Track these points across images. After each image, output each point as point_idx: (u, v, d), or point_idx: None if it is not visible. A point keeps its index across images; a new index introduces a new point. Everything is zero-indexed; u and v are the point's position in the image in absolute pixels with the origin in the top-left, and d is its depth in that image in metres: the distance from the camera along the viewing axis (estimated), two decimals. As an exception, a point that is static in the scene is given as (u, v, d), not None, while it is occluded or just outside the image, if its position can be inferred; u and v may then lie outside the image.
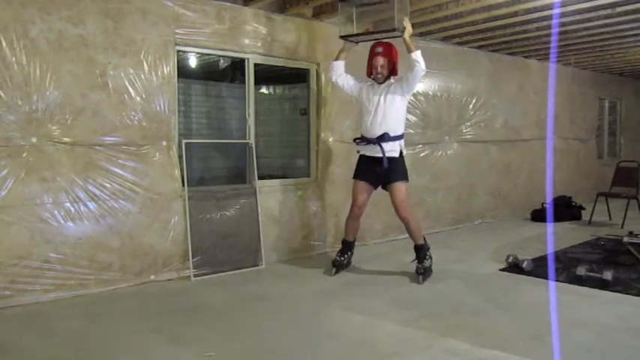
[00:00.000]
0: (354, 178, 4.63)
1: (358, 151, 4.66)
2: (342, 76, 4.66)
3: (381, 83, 4.49)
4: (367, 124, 4.49)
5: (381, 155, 4.36)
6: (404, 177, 4.47)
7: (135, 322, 3.41)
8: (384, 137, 4.37)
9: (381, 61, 4.42)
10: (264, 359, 2.88)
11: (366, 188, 4.57)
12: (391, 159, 4.39)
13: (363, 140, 4.51)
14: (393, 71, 4.48)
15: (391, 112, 4.40)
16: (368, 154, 4.52)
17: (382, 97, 4.41)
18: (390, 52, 4.46)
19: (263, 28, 4.98)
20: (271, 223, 5.08)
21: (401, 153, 4.46)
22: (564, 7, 5.13)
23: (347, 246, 4.74)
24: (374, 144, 4.42)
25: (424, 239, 4.58)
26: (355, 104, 5.12)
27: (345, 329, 3.29)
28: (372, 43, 4.62)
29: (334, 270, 4.64)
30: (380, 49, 4.45)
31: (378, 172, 4.43)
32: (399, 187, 4.42)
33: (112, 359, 2.89)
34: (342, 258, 4.71)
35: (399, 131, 4.45)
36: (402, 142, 4.49)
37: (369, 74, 4.53)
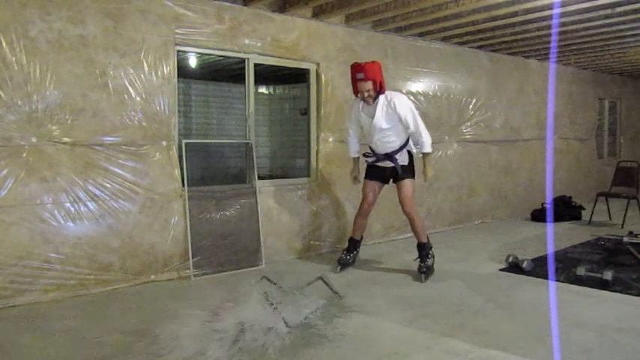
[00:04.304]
0: (365, 177, 4.71)
1: (367, 161, 4.69)
2: (354, 134, 4.70)
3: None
4: (371, 142, 4.57)
5: (392, 165, 4.48)
6: (412, 174, 4.55)
7: (135, 323, 3.41)
8: (392, 154, 4.47)
9: (365, 86, 4.30)
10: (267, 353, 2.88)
11: (376, 186, 4.66)
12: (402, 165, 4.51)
13: (374, 155, 4.59)
14: (380, 89, 4.35)
15: (392, 130, 4.41)
16: (379, 165, 4.59)
17: (379, 120, 4.37)
18: (372, 74, 4.28)
19: (263, 28, 4.98)
20: (271, 223, 5.08)
21: (410, 154, 4.55)
22: (564, 7, 5.13)
23: (353, 244, 4.79)
24: (383, 159, 4.52)
25: (427, 238, 4.61)
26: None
27: (346, 329, 3.29)
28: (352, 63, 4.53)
29: (339, 268, 4.71)
30: (361, 75, 4.27)
31: (388, 173, 4.58)
32: (407, 183, 4.51)
33: (112, 359, 2.89)
34: (349, 257, 4.75)
35: (404, 139, 4.49)
36: (409, 145, 4.55)
37: (356, 95, 4.47)
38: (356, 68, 4.34)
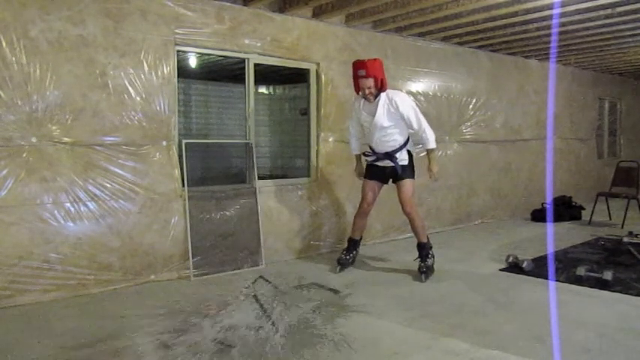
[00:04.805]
0: (364, 177, 4.71)
1: (367, 161, 4.69)
2: (356, 132, 4.75)
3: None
4: (371, 141, 4.56)
5: (392, 165, 4.48)
6: (411, 174, 4.55)
7: (135, 323, 3.41)
8: (392, 152, 4.46)
9: (367, 83, 4.29)
10: (262, 359, 2.88)
11: (376, 186, 4.66)
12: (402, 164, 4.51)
13: (374, 154, 4.58)
14: (382, 87, 4.35)
15: (393, 128, 4.42)
16: (379, 164, 4.59)
17: (380, 118, 4.38)
18: (374, 71, 4.28)
19: (263, 28, 4.98)
20: (271, 223, 5.08)
21: (410, 154, 4.55)
22: (564, 7, 5.13)
23: (353, 244, 4.79)
24: (383, 158, 4.52)
25: (427, 238, 4.61)
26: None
27: (346, 329, 3.29)
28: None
29: (339, 268, 4.71)
30: (363, 72, 4.26)
31: (388, 172, 4.57)
32: (407, 183, 4.51)
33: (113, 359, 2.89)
34: (348, 257, 4.76)
35: (404, 138, 4.49)
36: (409, 144, 4.55)
37: (357, 92, 4.46)
38: (357, 65, 4.35)
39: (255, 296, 3.62)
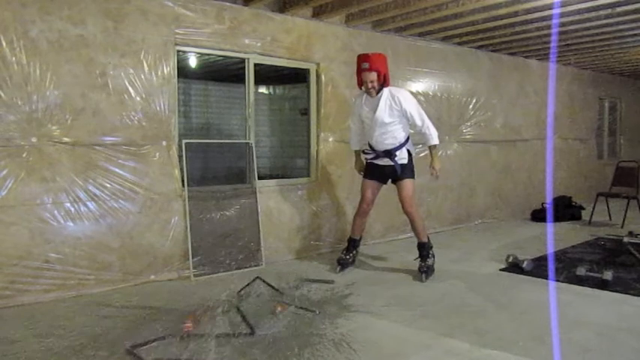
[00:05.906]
0: (363, 177, 4.70)
1: (366, 159, 4.69)
2: (356, 128, 4.76)
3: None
4: (371, 138, 4.55)
5: (391, 164, 4.47)
6: (411, 174, 4.55)
7: (135, 323, 3.41)
8: (392, 150, 4.45)
9: (370, 76, 4.30)
10: (263, 359, 2.88)
11: (375, 185, 4.65)
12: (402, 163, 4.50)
13: (373, 152, 4.57)
14: (384, 82, 4.37)
15: (394, 125, 4.42)
16: (378, 163, 4.58)
17: (381, 114, 4.37)
18: (377, 65, 4.30)
19: (263, 28, 4.98)
20: (271, 223, 5.08)
21: (409, 153, 4.55)
22: (564, 7, 5.13)
23: (352, 244, 4.79)
24: (382, 157, 4.51)
25: (428, 238, 4.61)
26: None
27: (346, 329, 3.29)
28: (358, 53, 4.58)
29: (339, 268, 4.71)
30: (367, 65, 4.29)
31: (387, 172, 4.56)
32: (407, 183, 4.50)
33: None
34: (348, 256, 4.75)
35: (404, 137, 4.49)
36: (409, 144, 4.55)
37: (360, 86, 4.47)
38: (362, 58, 4.37)
39: (237, 308, 3.59)
